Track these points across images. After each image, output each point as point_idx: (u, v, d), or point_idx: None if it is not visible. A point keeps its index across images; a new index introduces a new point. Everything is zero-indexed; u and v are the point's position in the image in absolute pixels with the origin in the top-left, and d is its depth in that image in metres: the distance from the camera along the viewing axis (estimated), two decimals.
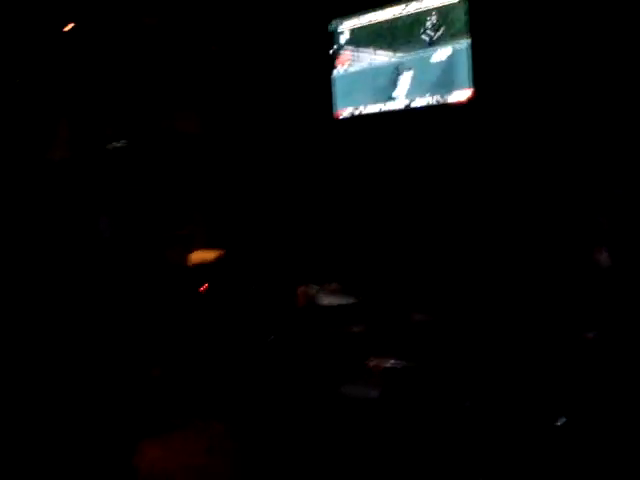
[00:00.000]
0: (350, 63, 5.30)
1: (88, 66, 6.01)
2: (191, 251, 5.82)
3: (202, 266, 5.72)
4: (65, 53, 5.76)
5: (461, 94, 4.63)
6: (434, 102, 4.80)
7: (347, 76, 5.30)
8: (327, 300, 3.78)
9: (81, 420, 1.98)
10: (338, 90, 5.34)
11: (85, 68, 6.04)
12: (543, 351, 3.23)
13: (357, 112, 5.24)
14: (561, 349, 3.21)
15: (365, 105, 5.19)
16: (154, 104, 6.18)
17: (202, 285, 5.62)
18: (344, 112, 5.30)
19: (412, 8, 4.87)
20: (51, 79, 5.41)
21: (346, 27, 5.30)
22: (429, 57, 4.80)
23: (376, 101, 5.12)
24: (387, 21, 5.03)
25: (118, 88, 6.18)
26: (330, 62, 5.36)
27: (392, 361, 3.44)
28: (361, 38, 5.22)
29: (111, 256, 4.60)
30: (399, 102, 4.98)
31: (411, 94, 4.92)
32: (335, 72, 5.37)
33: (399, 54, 4.97)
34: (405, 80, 4.96)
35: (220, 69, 5.92)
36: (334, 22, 5.35)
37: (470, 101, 4.59)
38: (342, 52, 5.34)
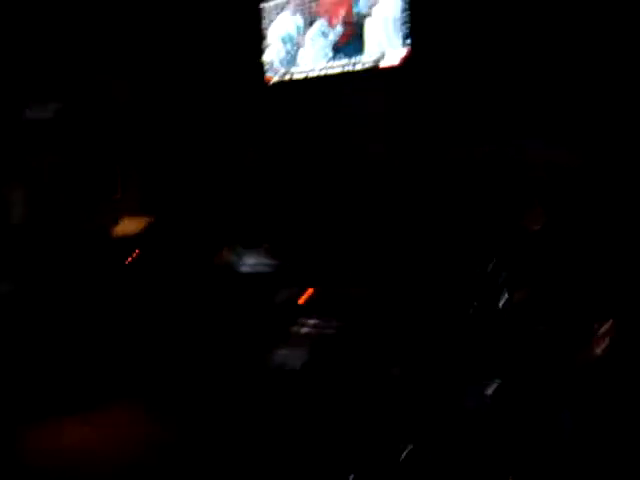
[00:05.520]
0: None
1: None
2: (121, 217, 5.59)
3: (132, 234, 5.50)
4: None
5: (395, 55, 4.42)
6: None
7: None
8: (252, 260, 3.63)
9: None
10: None
11: None
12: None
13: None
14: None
15: None
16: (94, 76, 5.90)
17: (131, 254, 5.40)
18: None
19: None
20: None
21: None
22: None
23: None
24: None
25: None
26: None
27: (316, 323, 3.30)
28: None
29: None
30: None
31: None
32: None
33: None
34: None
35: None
36: None
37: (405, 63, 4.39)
38: None
